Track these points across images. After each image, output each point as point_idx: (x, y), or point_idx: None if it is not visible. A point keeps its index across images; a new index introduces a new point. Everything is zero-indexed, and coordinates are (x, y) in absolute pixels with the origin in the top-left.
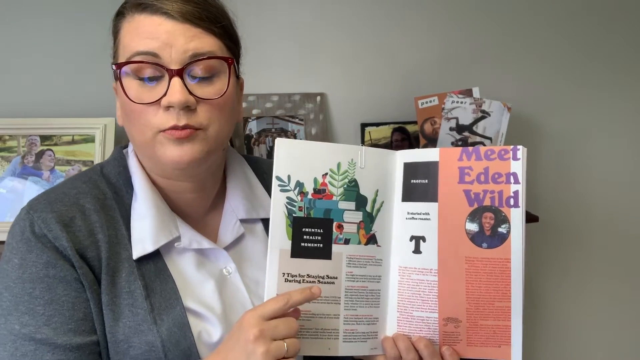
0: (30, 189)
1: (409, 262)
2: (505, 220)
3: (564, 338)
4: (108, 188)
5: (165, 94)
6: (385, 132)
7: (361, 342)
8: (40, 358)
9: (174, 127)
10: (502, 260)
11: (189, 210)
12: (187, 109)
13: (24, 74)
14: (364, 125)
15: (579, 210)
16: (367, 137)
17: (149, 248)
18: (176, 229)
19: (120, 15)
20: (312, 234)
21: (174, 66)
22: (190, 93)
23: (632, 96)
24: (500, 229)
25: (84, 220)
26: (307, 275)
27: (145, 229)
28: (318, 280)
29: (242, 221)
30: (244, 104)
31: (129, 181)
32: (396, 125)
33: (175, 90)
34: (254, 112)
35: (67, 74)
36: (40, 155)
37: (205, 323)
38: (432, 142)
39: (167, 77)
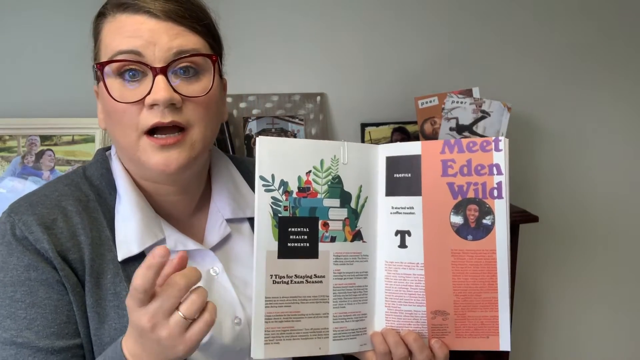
0: (30, 189)
1: (395, 257)
2: (489, 211)
3: (564, 337)
4: (91, 190)
5: (149, 93)
6: (385, 132)
7: (351, 340)
8: None
9: (158, 125)
10: (487, 252)
11: (174, 212)
12: (172, 107)
13: (24, 74)
14: (364, 125)
15: (579, 210)
16: (367, 137)
17: (134, 250)
18: (161, 232)
19: (101, 15)
20: (298, 233)
21: (158, 64)
22: (175, 91)
23: (631, 96)
24: (484, 221)
25: (65, 222)
26: (295, 275)
27: (130, 231)
28: (306, 280)
29: (229, 221)
30: (244, 104)
31: (112, 183)
32: (396, 125)
33: (160, 88)
34: (254, 112)
35: (67, 74)
36: (40, 155)
37: None
38: None
39: (150, 75)
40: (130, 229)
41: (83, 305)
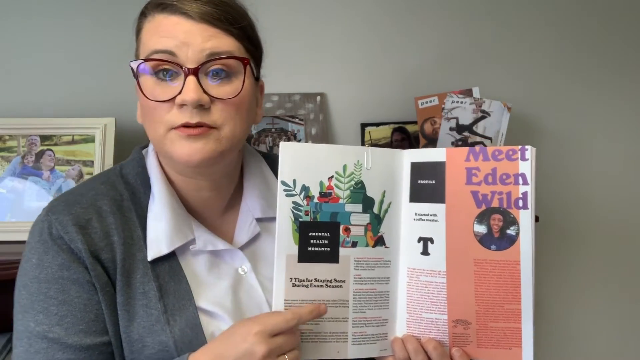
0: (30, 189)
1: (418, 264)
2: (514, 222)
3: (564, 337)
4: (126, 189)
5: (180, 92)
6: (385, 132)
7: (370, 344)
8: (52, 356)
9: (186, 125)
10: (511, 263)
11: (205, 210)
12: (201, 107)
13: (24, 74)
14: (364, 125)
15: (579, 210)
16: (367, 137)
17: (164, 250)
18: (191, 232)
19: (142, 15)
20: (319, 237)
21: (190, 65)
22: (205, 92)
23: (632, 96)
24: (509, 231)
25: (100, 222)
26: (315, 279)
27: (161, 231)
28: (326, 284)
29: (258, 220)
30: None
31: (147, 182)
32: (396, 125)
33: (190, 89)
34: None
35: (67, 74)
36: (40, 155)
37: (218, 322)
38: (432, 142)
39: (183, 75)
40: (161, 229)
41: (113, 303)
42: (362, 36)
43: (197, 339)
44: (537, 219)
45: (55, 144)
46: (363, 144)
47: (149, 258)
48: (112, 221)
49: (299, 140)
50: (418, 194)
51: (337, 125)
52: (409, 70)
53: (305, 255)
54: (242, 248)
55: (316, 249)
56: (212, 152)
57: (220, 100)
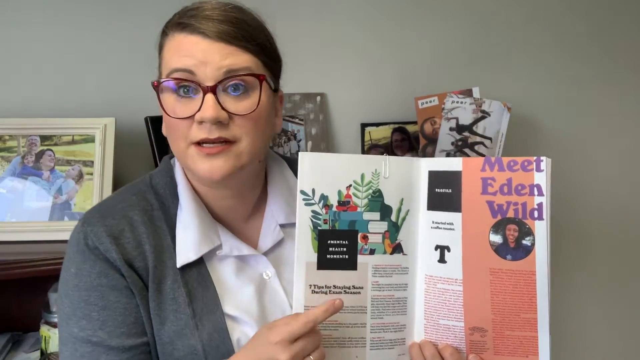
0: (30, 189)
1: (435, 271)
2: (529, 232)
3: (564, 336)
4: (155, 199)
5: (199, 109)
6: (385, 132)
7: (388, 349)
8: (97, 358)
9: (206, 141)
10: (527, 273)
11: (230, 216)
12: (220, 124)
13: (24, 74)
14: (364, 125)
15: (579, 210)
16: (367, 137)
17: (192, 257)
18: (218, 238)
19: (164, 34)
20: (337, 245)
21: (209, 83)
22: (223, 108)
23: (632, 96)
24: (524, 242)
25: (132, 232)
26: (334, 286)
27: (189, 239)
28: (344, 291)
29: (282, 226)
30: None
31: (175, 191)
32: (396, 125)
33: (208, 107)
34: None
35: (67, 74)
36: (40, 155)
37: (243, 327)
38: (432, 142)
39: (201, 93)
40: (189, 237)
41: (147, 307)
42: (362, 36)
43: (224, 343)
44: None
45: (55, 144)
46: (363, 144)
47: (178, 265)
48: (144, 230)
49: (299, 141)
50: (435, 202)
51: (337, 125)
52: (409, 70)
53: (324, 263)
54: (266, 253)
55: (335, 256)
56: (232, 168)
57: (239, 116)
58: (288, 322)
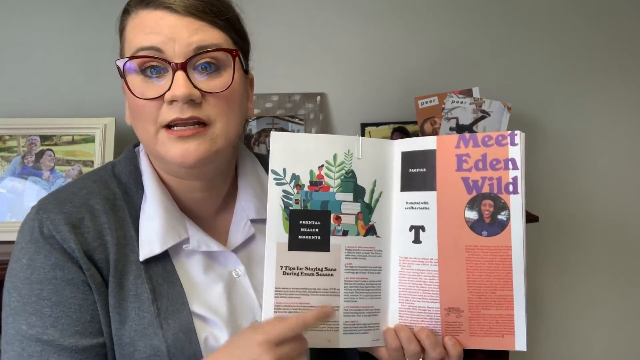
0: (30, 189)
1: (409, 252)
2: (504, 207)
3: (563, 337)
4: (118, 188)
5: (169, 89)
6: (385, 132)
7: (362, 334)
8: (47, 359)
9: (177, 121)
10: (502, 248)
11: (198, 210)
12: (192, 102)
13: (24, 74)
14: (364, 125)
15: (579, 210)
16: (367, 137)
17: (157, 250)
18: (185, 231)
19: (125, 12)
20: (309, 226)
21: (178, 60)
22: (195, 87)
23: (632, 96)
24: (500, 216)
25: (92, 222)
26: (305, 267)
27: (153, 230)
28: (316, 273)
29: (253, 221)
30: None
31: (140, 181)
32: (396, 125)
33: (179, 84)
34: (254, 111)
35: (67, 73)
36: (40, 155)
37: (211, 328)
38: None
39: (171, 71)
40: (153, 227)
41: (106, 305)
42: (362, 36)
43: (190, 344)
44: (537, 218)
45: (55, 144)
46: None
47: (141, 258)
48: (105, 220)
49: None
50: (409, 183)
51: (337, 125)
52: (409, 70)
53: (295, 244)
54: (236, 250)
55: (307, 237)
56: (206, 152)
57: (211, 94)
58: (275, 324)
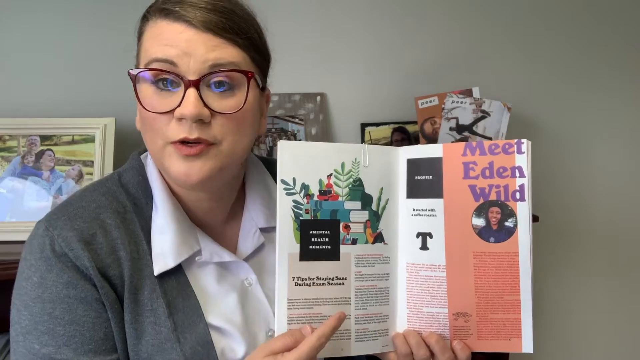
0: (30, 189)
1: (417, 259)
2: (511, 214)
3: (563, 337)
4: (127, 200)
5: (179, 105)
6: (385, 132)
7: (372, 341)
8: None
9: (185, 140)
10: (509, 254)
11: (207, 219)
12: (201, 122)
13: (24, 74)
14: (364, 125)
15: (579, 210)
16: (367, 137)
17: (171, 264)
18: (197, 243)
19: (144, 19)
20: (319, 236)
21: (192, 76)
22: (206, 105)
23: (631, 96)
24: (507, 223)
25: (105, 237)
26: (317, 277)
27: (167, 244)
28: (328, 282)
29: (262, 230)
30: None
31: (148, 191)
32: (396, 125)
33: (189, 102)
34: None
35: (67, 73)
36: (40, 155)
37: (228, 339)
38: (432, 142)
39: (183, 87)
40: (166, 242)
41: (121, 321)
42: (362, 36)
43: (208, 356)
44: (537, 218)
45: (55, 144)
46: (363, 143)
47: (156, 272)
48: (118, 235)
49: (299, 141)
50: (415, 190)
51: (337, 125)
52: (409, 70)
53: (306, 254)
54: (247, 259)
55: (317, 247)
56: (210, 172)
57: (222, 114)
58: (299, 349)
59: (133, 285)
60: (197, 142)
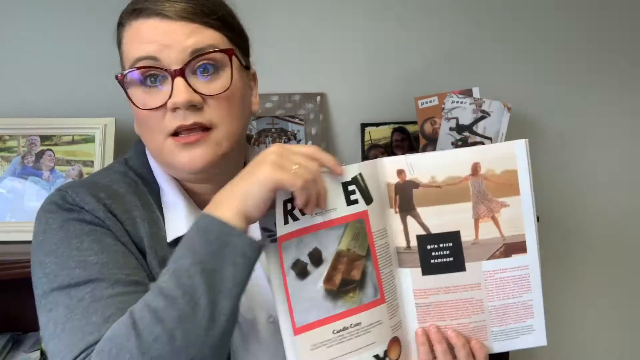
0: (30, 189)
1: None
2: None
3: (563, 336)
4: (137, 177)
5: (170, 96)
6: (385, 132)
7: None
8: (100, 294)
9: (181, 128)
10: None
11: None
12: (194, 108)
13: (24, 73)
14: (364, 125)
15: (579, 210)
16: (367, 137)
17: (183, 229)
18: None
19: (120, 25)
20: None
21: (175, 66)
22: (195, 91)
23: (631, 96)
24: None
25: (119, 200)
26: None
27: (177, 216)
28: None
29: None
30: None
31: (152, 174)
32: (396, 125)
33: (179, 91)
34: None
35: (67, 73)
36: (40, 155)
37: None
38: (432, 142)
39: (170, 78)
40: (177, 214)
41: (148, 270)
42: (362, 36)
43: None
44: (537, 218)
45: (55, 144)
46: (363, 144)
47: (169, 239)
48: (132, 199)
49: (299, 141)
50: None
51: (337, 125)
52: (409, 70)
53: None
54: None
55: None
56: (212, 156)
57: (212, 97)
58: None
59: (153, 245)
60: (193, 127)
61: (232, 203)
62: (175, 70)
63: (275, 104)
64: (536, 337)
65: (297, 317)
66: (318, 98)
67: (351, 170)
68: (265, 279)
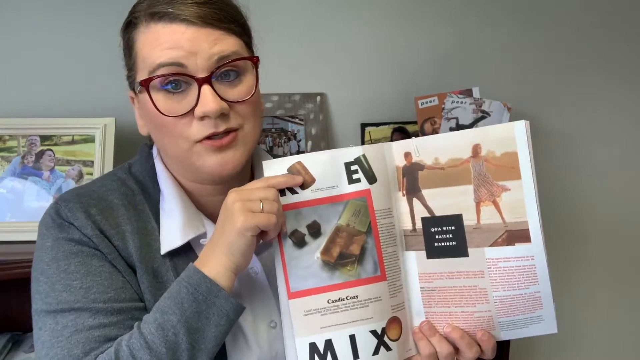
0: (30, 189)
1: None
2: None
3: (563, 336)
4: (136, 185)
5: (196, 104)
6: (385, 132)
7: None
8: (82, 324)
9: (213, 135)
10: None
11: (216, 212)
12: (222, 115)
13: (24, 74)
14: (364, 125)
15: (579, 209)
16: (367, 137)
17: (178, 243)
18: (202, 225)
19: (132, 25)
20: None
21: (201, 74)
22: (222, 98)
23: (631, 96)
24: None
25: (109, 212)
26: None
27: (173, 225)
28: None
29: None
30: None
31: (156, 179)
32: (396, 125)
33: (208, 100)
34: None
35: (67, 73)
36: (40, 155)
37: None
38: None
39: (194, 85)
40: (173, 223)
41: (137, 285)
42: (362, 36)
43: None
44: None
45: (55, 144)
46: (363, 144)
47: (162, 252)
48: (124, 213)
49: (299, 141)
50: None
51: (337, 125)
52: (409, 70)
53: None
54: (257, 252)
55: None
56: (242, 157)
57: (238, 102)
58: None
59: (143, 257)
60: (225, 133)
61: (220, 258)
62: (202, 77)
63: (275, 104)
64: (546, 325)
65: (292, 282)
66: (318, 98)
67: (354, 152)
68: (267, 283)
